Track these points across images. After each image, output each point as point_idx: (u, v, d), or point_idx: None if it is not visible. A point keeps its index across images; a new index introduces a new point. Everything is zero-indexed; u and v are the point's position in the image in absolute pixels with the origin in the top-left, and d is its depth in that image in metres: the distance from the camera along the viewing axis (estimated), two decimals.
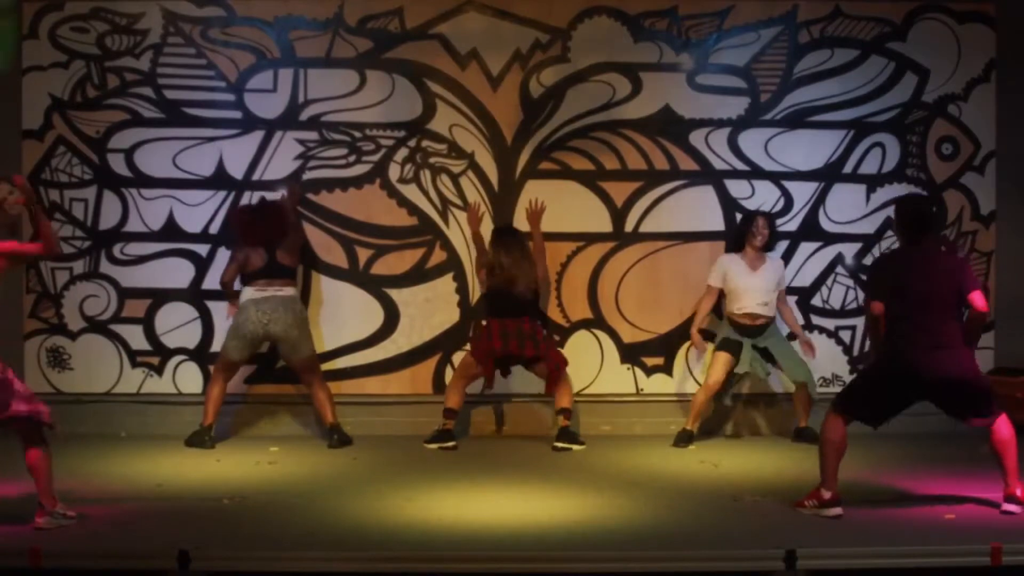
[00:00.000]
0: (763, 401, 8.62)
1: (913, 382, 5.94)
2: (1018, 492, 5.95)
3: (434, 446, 7.85)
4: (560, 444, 7.88)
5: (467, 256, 8.47)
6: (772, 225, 8.27)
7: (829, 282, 8.66)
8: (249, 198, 8.24)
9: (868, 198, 8.62)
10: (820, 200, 8.62)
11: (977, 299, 5.97)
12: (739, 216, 8.45)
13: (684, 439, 8.05)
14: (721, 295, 8.18)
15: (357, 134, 8.49)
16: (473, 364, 8.03)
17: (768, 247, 8.21)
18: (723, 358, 8.06)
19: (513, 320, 7.97)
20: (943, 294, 5.94)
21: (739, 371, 8.11)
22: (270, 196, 8.21)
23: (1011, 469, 5.99)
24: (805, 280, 8.62)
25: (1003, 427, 6.02)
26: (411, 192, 8.53)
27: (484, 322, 8.13)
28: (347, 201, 8.49)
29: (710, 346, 8.25)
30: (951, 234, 8.61)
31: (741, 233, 8.22)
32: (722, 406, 8.49)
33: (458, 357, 8.31)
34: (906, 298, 5.95)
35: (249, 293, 7.90)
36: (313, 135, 8.48)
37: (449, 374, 8.44)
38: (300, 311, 8.04)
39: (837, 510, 5.99)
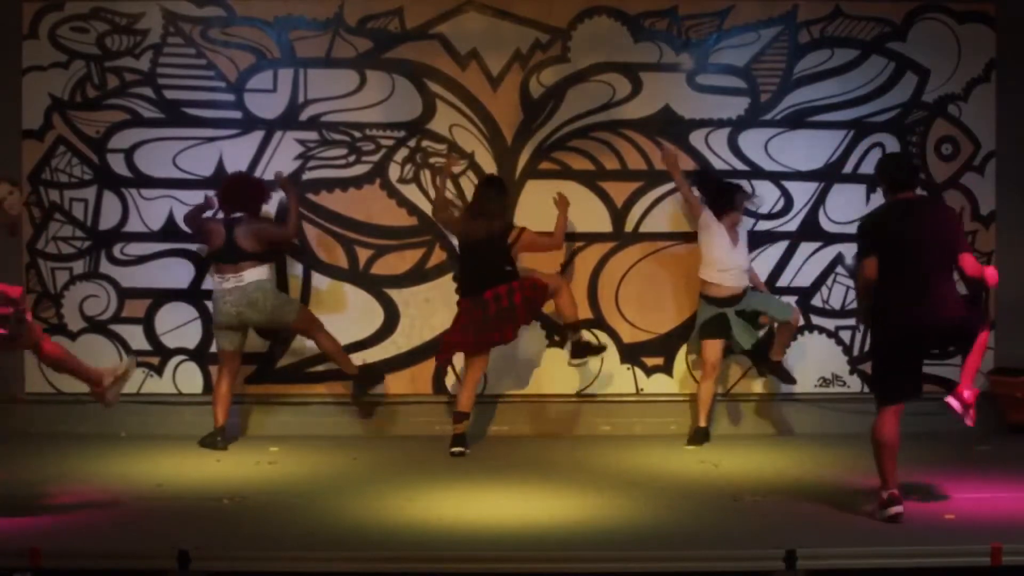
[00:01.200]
0: (763, 400, 8.64)
1: (923, 335, 5.86)
2: (966, 394, 5.82)
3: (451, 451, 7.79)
4: (576, 360, 8.02)
5: None
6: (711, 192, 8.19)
7: (829, 282, 8.65)
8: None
9: (868, 198, 8.59)
10: (820, 200, 8.61)
11: (967, 262, 5.90)
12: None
13: (701, 437, 8.06)
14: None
15: (357, 134, 8.49)
16: (468, 362, 7.98)
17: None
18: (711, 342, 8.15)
19: (477, 293, 7.74)
20: (937, 245, 5.86)
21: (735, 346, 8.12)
22: (264, 176, 8.29)
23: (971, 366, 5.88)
24: (805, 280, 8.61)
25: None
26: (411, 192, 8.52)
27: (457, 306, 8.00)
28: (347, 201, 8.49)
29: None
30: None
31: None
32: (720, 400, 8.50)
33: (458, 358, 8.29)
34: (900, 249, 5.86)
35: (214, 283, 7.90)
36: (313, 135, 8.48)
37: (449, 374, 8.45)
38: (267, 292, 7.84)
39: (896, 509, 5.85)
